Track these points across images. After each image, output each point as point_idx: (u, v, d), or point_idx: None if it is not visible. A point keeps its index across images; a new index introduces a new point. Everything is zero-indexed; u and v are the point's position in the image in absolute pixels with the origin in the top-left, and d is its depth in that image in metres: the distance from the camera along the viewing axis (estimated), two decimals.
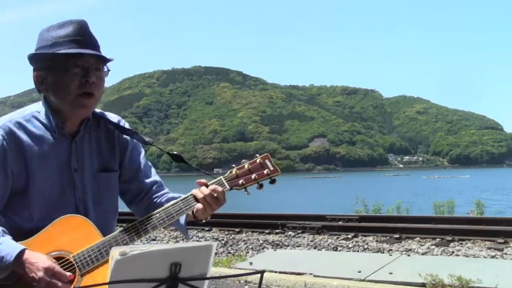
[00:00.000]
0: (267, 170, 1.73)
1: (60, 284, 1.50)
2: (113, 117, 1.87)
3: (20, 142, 1.66)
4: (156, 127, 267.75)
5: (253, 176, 1.72)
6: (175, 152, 1.86)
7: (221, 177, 1.74)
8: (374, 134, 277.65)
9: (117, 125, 1.84)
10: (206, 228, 10.06)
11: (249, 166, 1.73)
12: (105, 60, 1.73)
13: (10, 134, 1.66)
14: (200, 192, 1.71)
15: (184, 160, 1.88)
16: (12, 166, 1.64)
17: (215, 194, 1.70)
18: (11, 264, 1.51)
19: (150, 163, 1.93)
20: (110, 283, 1.11)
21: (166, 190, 1.90)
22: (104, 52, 1.73)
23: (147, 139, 1.88)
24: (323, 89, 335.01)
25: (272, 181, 1.75)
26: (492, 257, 6.59)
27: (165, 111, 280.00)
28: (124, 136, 1.86)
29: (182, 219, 1.78)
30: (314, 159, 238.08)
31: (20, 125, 1.68)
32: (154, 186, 1.88)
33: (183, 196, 1.74)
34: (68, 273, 1.54)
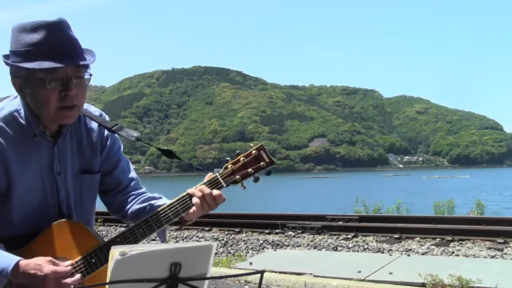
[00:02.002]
0: (263, 162, 1.65)
1: (69, 281, 1.49)
2: (93, 110, 1.77)
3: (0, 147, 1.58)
4: (156, 127, 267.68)
5: (249, 170, 1.65)
6: (165, 148, 1.79)
7: (217, 174, 1.67)
8: (374, 134, 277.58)
9: (100, 122, 1.75)
10: (206, 228, 10.07)
11: (245, 160, 1.65)
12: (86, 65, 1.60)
13: None
14: (199, 191, 1.64)
15: (175, 155, 1.81)
16: None
17: (215, 197, 1.64)
18: (8, 277, 1.47)
19: (127, 158, 1.86)
20: (110, 283, 1.10)
21: (144, 189, 1.84)
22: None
23: (135, 133, 1.75)
24: (323, 89, 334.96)
25: (268, 173, 1.68)
26: (492, 257, 6.58)
27: (165, 111, 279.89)
28: (106, 131, 1.78)
29: None
30: (314, 159, 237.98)
31: None
32: (132, 183, 1.82)
33: (178, 196, 1.67)
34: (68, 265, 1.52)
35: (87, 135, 1.74)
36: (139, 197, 1.80)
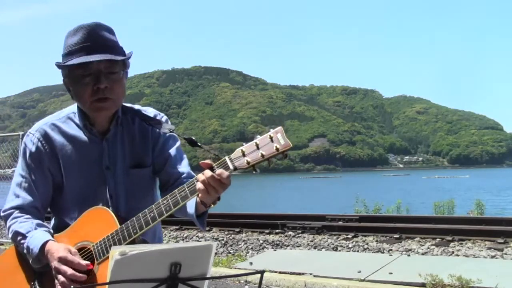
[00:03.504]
0: (276, 145, 1.53)
1: (69, 272, 1.58)
2: (150, 112, 1.89)
3: (54, 143, 1.78)
4: None
5: (260, 153, 1.54)
6: (192, 137, 1.73)
7: (226, 157, 1.60)
8: (374, 134, 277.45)
9: (142, 117, 1.84)
10: (206, 228, 10.04)
11: (257, 142, 1.56)
12: (122, 61, 1.72)
13: (45, 136, 1.78)
14: (203, 175, 1.59)
15: (198, 144, 1.75)
16: (48, 166, 1.78)
17: (218, 177, 1.56)
18: (36, 255, 1.65)
19: (183, 155, 1.90)
20: (110, 283, 1.11)
21: None
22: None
23: (168, 126, 1.81)
24: (323, 89, 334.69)
25: (284, 156, 1.57)
26: (492, 257, 6.58)
27: (165, 111, 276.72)
28: (158, 129, 1.84)
29: (192, 209, 1.69)
30: (314, 159, 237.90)
31: (55, 127, 1.80)
32: (181, 177, 1.84)
33: (189, 180, 1.65)
34: (86, 262, 1.63)
35: (140, 132, 1.86)
36: None
